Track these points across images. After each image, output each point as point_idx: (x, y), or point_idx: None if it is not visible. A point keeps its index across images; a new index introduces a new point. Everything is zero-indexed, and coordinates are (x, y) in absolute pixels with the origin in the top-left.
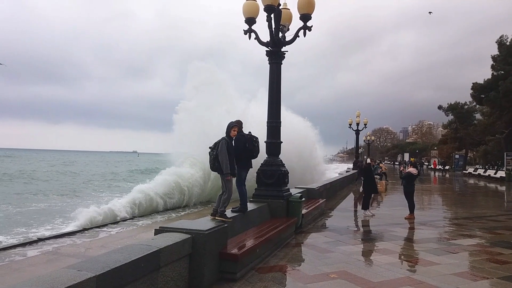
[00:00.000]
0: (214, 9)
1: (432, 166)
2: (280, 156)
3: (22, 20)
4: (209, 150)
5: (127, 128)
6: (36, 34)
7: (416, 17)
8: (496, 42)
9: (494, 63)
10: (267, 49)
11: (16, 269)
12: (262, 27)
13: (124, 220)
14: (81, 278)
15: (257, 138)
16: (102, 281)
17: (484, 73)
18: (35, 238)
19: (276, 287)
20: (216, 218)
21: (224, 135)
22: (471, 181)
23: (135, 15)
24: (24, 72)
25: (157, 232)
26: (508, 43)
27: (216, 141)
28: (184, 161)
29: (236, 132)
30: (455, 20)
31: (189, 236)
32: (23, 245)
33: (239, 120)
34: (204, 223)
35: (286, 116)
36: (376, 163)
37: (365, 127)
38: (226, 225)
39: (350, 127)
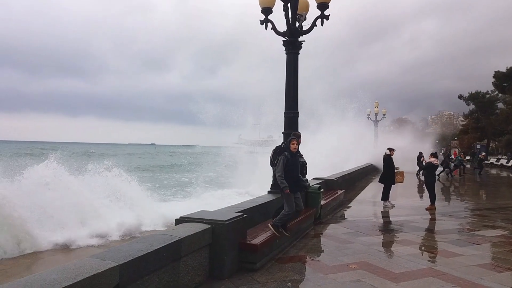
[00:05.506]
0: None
1: (452, 156)
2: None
3: (43, 14)
4: (271, 165)
5: (145, 121)
6: (57, 28)
7: (438, 4)
8: None
9: None
10: (284, 39)
11: (41, 258)
12: (278, 17)
13: None
14: (105, 267)
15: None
16: (125, 270)
17: (507, 62)
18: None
19: (296, 277)
20: (269, 224)
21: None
22: (494, 171)
23: (154, 6)
24: (45, 66)
25: (177, 222)
26: None
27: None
28: None
29: (295, 146)
30: (479, 8)
31: (209, 226)
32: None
33: (297, 133)
34: (224, 213)
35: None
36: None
37: (384, 117)
38: (245, 215)
39: (368, 117)
